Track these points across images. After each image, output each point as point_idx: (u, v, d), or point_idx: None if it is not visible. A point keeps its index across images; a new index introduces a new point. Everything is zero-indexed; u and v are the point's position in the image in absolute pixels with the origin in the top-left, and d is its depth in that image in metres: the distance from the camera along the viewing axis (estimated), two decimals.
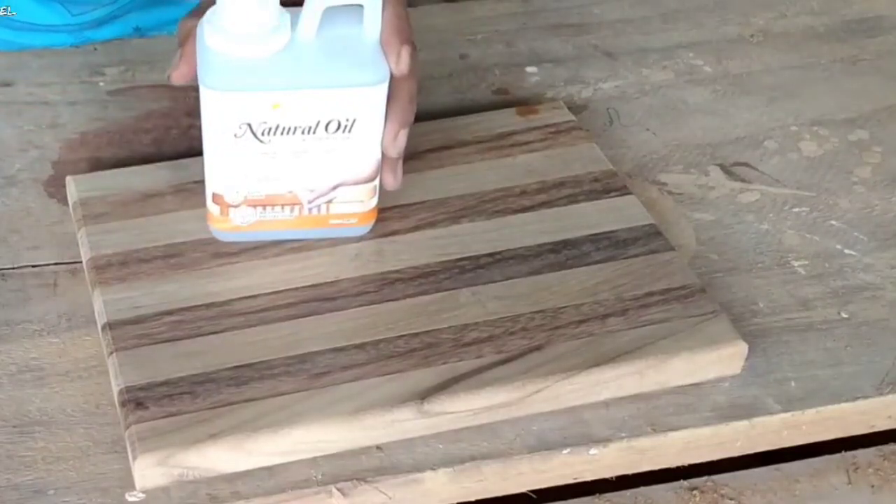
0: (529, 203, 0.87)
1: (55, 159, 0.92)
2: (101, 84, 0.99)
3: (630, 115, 1.00)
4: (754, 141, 0.98)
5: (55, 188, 0.89)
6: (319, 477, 0.73)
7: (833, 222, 0.91)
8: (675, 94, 1.02)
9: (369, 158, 0.80)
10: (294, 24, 0.76)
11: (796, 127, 1.00)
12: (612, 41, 1.07)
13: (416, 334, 0.77)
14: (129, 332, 0.77)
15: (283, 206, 0.81)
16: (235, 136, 0.78)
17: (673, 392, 0.78)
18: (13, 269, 0.84)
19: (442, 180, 0.88)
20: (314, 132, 0.78)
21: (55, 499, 0.71)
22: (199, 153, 0.81)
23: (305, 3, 0.76)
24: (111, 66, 1.01)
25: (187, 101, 0.95)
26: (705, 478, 0.78)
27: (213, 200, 0.81)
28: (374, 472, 0.73)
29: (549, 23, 1.08)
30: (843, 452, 0.80)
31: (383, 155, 0.81)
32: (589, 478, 0.77)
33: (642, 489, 0.78)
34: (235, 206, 0.81)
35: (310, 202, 0.81)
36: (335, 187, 0.81)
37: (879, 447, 0.81)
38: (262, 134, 0.78)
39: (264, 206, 0.81)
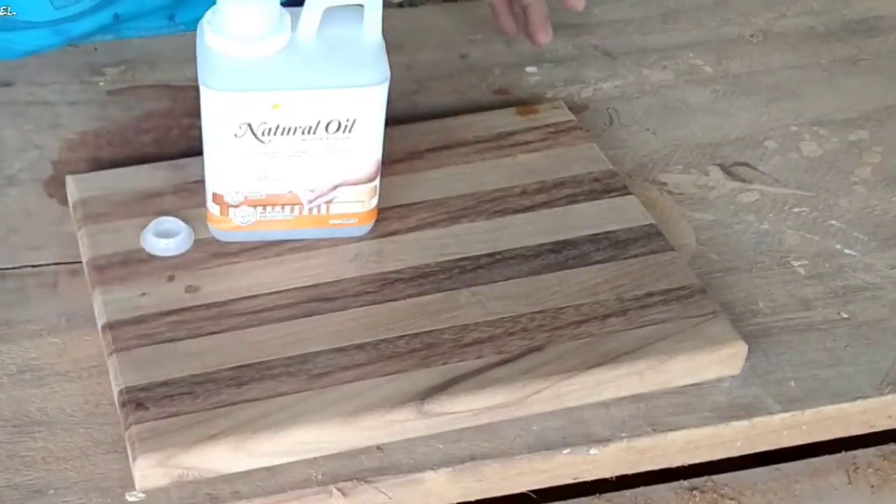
0: (529, 203, 0.87)
1: (55, 159, 0.92)
2: (101, 84, 0.99)
3: (630, 115, 1.00)
4: (754, 141, 0.98)
5: (55, 188, 0.89)
6: (319, 477, 0.73)
7: (833, 222, 0.91)
8: (675, 94, 1.02)
9: (369, 158, 0.80)
10: (294, 24, 0.76)
11: (796, 127, 1.00)
12: (612, 41, 1.07)
13: (416, 334, 0.77)
14: (129, 332, 0.77)
15: (283, 206, 0.81)
16: (235, 136, 0.78)
17: (673, 392, 0.78)
18: (13, 269, 0.84)
19: (442, 180, 0.88)
20: (314, 132, 0.78)
21: (55, 499, 0.71)
22: (199, 153, 0.81)
23: (305, 3, 0.76)
24: (111, 66, 1.01)
25: (187, 101, 0.95)
26: (705, 478, 0.78)
27: (213, 200, 0.81)
28: (374, 472, 0.73)
29: (550, 23, 1.08)
30: (843, 452, 0.80)
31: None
32: (589, 478, 0.77)
33: (642, 489, 0.78)
34: (235, 206, 0.81)
35: (310, 202, 0.81)
36: (335, 187, 0.81)
37: (879, 447, 0.81)
38: (263, 134, 0.78)
39: (264, 206, 0.81)
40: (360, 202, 0.82)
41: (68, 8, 1.02)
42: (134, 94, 0.98)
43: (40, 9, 1.01)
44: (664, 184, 0.93)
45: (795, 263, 0.88)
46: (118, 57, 1.02)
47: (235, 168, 0.79)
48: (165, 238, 0.82)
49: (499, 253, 0.83)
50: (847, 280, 0.87)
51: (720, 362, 0.79)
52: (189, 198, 0.85)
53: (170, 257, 0.81)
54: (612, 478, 0.78)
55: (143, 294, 0.79)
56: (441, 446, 0.75)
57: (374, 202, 0.83)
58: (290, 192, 0.81)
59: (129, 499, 0.72)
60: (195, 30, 0.78)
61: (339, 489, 0.72)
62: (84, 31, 1.03)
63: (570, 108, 0.96)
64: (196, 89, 0.77)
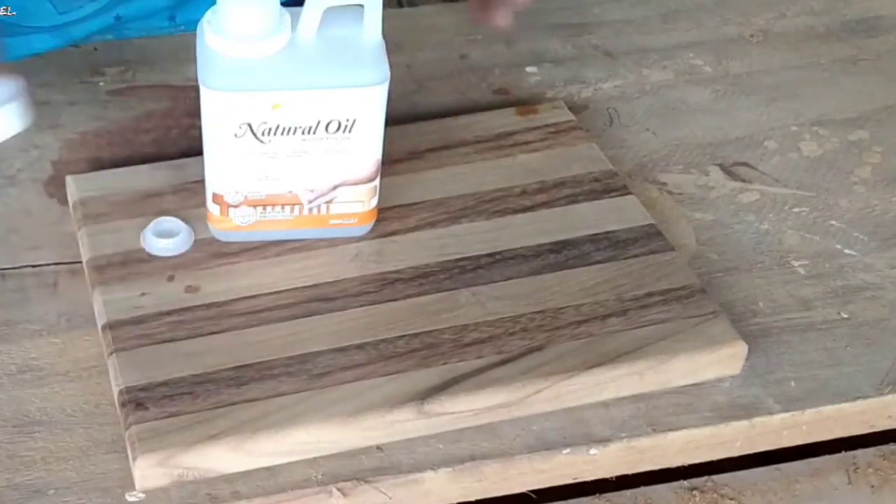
0: (529, 203, 0.87)
1: (55, 159, 0.92)
2: (101, 84, 0.99)
3: (630, 115, 1.00)
4: (754, 141, 0.98)
5: (55, 188, 0.89)
6: (319, 477, 0.73)
7: (833, 222, 0.91)
8: (675, 94, 1.02)
9: (369, 158, 0.80)
10: (294, 24, 0.76)
11: (796, 127, 1.00)
12: (612, 41, 1.07)
13: (416, 334, 0.77)
14: (129, 332, 0.77)
15: (283, 206, 0.81)
16: (235, 136, 0.78)
17: (673, 392, 0.78)
18: (13, 269, 0.84)
19: (442, 180, 0.88)
20: (314, 132, 0.78)
21: (55, 499, 0.71)
22: (199, 153, 0.81)
23: (305, 3, 0.76)
24: (111, 66, 1.01)
25: (187, 101, 0.95)
26: (705, 478, 0.78)
27: (213, 200, 0.81)
28: (374, 472, 0.73)
29: (549, 23, 1.08)
30: (843, 452, 0.80)
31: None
32: (589, 478, 0.77)
33: (642, 489, 0.78)
34: (235, 206, 0.81)
35: (310, 202, 0.81)
36: (335, 187, 0.81)
37: (879, 447, 0.81)
38: (263, 134, 0.78)
39: (264, 206, 0.81)
40: (360, 202, 0.82)
41: (71, 13, 1.02)
42: (134, 94, 0.98)
43: (44, 15, 1.01)
44: (664, 184, 0.93)
45: (795, 263, 0.88)
46: (118, 57, 1.02)
47: (235, 168, 0.79)
48: (165, 238, 0.82)
49: (499, 253, 0.83)
50: (847, 280, 0.87)
51: (720, 362, 0.79)
52: (189, 198, 0.85)
53: (170, 257, 0.81)
54: (612, 478, 0.78)
55: (143, 294, 0.79)
56: (441, 446, 0.75)
57: (374, 202, 0.83)
58: (290, 192, 0.81)
59: (129, 499, 0.72)
60: (196, 30, 0.78)
61: (339, 489, 0.72)
62: (86, 33, 1.03)
63: (570, 108, 0.96)
64: (196, 89, 0.77)
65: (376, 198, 0.83)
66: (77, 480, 0.72)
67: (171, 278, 0.80)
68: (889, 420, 0.81)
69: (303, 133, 0.78)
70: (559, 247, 0.84)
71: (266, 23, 0.75)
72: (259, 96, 0.76)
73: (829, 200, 0.93)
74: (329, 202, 0.82)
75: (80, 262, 0.83)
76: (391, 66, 0.78)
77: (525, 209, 0.87)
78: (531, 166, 0.90)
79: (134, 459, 0.71)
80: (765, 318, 0.83)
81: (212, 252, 0.82)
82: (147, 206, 0.85)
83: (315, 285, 0.81)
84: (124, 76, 1.00)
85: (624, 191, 0.88)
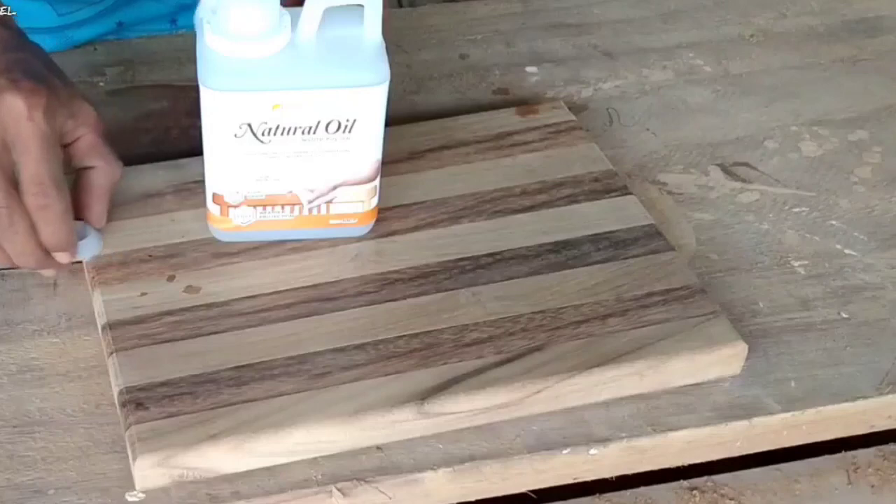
0: (529, 203, 0.87)
1: None
2: (101, 84, 0.99)
3: (630, 115, 1.00)
4: (754, 141, 0.98)
5: None
6: (319, 477, 0.73)
7: (833, 222, 0.91)
8: (675, 94, 1.02)
9: (369, 159, 0.80)
10: (294, 24, 0.76)
11: (796, 127, 1.00)
12: (612, 41, 1.07)
13: (416, 334, 0.77)
14: (129, 332, 0.77)
15: (283, 206, 0.81)
16: (235, 136, 0.78)
17: (673, 392, 0.78)
18: (13, 269, 0.84)
19: (442, 180, 0.88)
20: (314, 132, 0.78)
21: (55, 499, 0.71)
22: (199, 153, 0.81)
23: (305, 3, 0.76)
24: (111, 66, 1.01)
25: (187, 101, 0.95)
26: (705, 478, 0.78)
27: (213, 200, 0.81)
28: (374, 472, 0.73)
29: (549, 23, 1.08)
30: (843, 452, 0.80)
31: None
32: (589, 478, 0.77)
33: (642, 489, 0.78)
34: (235, 206, 0.81)
35: (310, 202, 0.81)
36: (335, 187, 0.81)
37: (879, 447, 0.81)
38: (262, 134, 0.78)
39: (264, 207, 0.81)
40: (360, 202, 0.82)
41: (71, 15, 1.02)
42: (134, 94, 0.98)
43: (43, 16, 1.01)
44: (664, 184, 0.93)
45: (795, 263, 0.88)
46: (118, 57, 1.02)
47: (235, 168, 0.79)
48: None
49: (499, 253, 0.83)
50: (847, 280, 0.87)
51: (720, 362, 0.79)
52: (189, 198, 0.85)
53: (168, 257, 0.81)
54: (612, 478, 0.78)
55: (143, 294, 0.79)
56: (441, 446, 0.75)
57: (374, 202, 0.83)
58: (290, 192, 0.81)
59: (129, 499, 0.72)
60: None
61: (339, 489, 0.72)
62: (87, 37, 1.03)
63: (570, 108, 0.96)
64: (196, 89, 0.77)
65: (376, 198, 0.83)
66: (77, 480, 0.72)
67: (171, 278, 0.80)
68: (889, 420, 0.81)
69: (303, 133, 0.78)
70: (559, 247, 0.84)
71: (266, 23, 0.75)
72: (259, 96, 0.76)
73: (829, 200, 0.93)
74: (329, 202, 0.82)
75: (80, 262, 0.83)
76: (391, 66, 0.78)
77: (525, 209, 0.87)
78: (531, 166, 0.90)
79: (134, 459, 0.71)
80: (765, 318, 0.83)
81: (212, 252, 0.82)
82: (147, 206, 0.85)
83: (315, 285, 0.81)
84: (124, 76, 1.00)
85: (624, 191, 0.88)
